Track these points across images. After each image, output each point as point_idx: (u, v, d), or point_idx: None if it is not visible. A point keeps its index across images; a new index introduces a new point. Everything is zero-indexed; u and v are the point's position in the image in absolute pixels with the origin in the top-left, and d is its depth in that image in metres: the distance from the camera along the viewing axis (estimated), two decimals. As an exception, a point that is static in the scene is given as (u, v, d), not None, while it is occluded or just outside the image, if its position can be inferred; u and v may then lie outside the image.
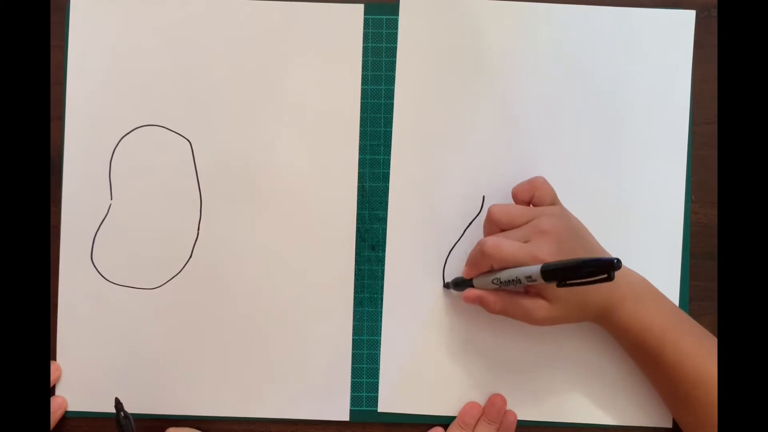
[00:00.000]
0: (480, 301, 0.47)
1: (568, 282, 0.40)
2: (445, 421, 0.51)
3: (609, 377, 0.51)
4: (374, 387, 0.52)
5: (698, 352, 0.45)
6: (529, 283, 0.43)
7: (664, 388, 0.48)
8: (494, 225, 0.46)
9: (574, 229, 0.46)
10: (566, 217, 0.47)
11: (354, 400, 0.52)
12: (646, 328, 0.46)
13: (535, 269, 0.41)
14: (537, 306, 0.45)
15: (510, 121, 0.52)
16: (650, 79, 0.52)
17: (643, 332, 0.46)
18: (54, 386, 0.52)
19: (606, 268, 0.37)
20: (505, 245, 0.44)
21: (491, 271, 0.46)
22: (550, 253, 0.43)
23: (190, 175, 0.52)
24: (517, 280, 0.43)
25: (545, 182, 0.47)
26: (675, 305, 0.48)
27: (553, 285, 0.41)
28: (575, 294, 0.43)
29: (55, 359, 0.52)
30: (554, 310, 0.45)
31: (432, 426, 0.51)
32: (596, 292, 0.43)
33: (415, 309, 0.52)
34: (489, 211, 0.46)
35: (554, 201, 0.47)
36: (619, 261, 0.37)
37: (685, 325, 0.47)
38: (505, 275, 0.44)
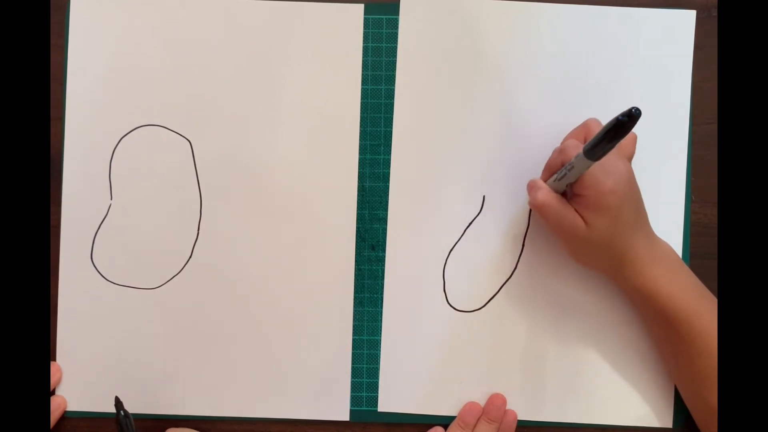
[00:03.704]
0: (533, 187, 0.46)
1: (602, 146, 0.39)
2: (445, 421, 0.52)
3: (609, 377, 0.51)
4: (374, 387, 0.52)
5: None
6: (571, 170, 0.43)
7: (682, 364, 0.48)
8: (582, 134, 0.47)
9: (636, 186, 0.46)
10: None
11: (354, 400, 0.52)
12: (675, 296, 0.46)
13: (580, 153, 0.42)
14: (575, 222, 0.45)
15: (510, 120, 0.52)
16: (650, 79, 0.52)
17: (671, 298, 0.46)
18: (54, 386, 0.52)
19: (624, 115, 0.37)
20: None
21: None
22: (618, 180, 0.43)
23: (190, 175, 0.52)
24: (569, 167, 0.43)
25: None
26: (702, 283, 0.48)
27: (594, 213, 0.44)
28: (610, 228, 0.44)
29: (55, 359, 0.52)
30: (587, 234, 0.45)
31: (432, 426, 0.51)
32: (632, 237, 0.45)
33: (415, 309, 0.52)
34: (586, 122, 0.47)
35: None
36: (637, 109, 0.36)
37: (714, 301, 0.47)
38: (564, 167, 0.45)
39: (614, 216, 0.44)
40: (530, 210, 0.52)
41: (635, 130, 0.51)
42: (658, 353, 0.51)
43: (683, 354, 0.47)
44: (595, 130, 0.45)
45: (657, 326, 0.48)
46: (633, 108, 0.36)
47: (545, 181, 0.47)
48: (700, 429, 0.49)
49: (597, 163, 0.42)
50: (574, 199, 0.45)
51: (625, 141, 0.47)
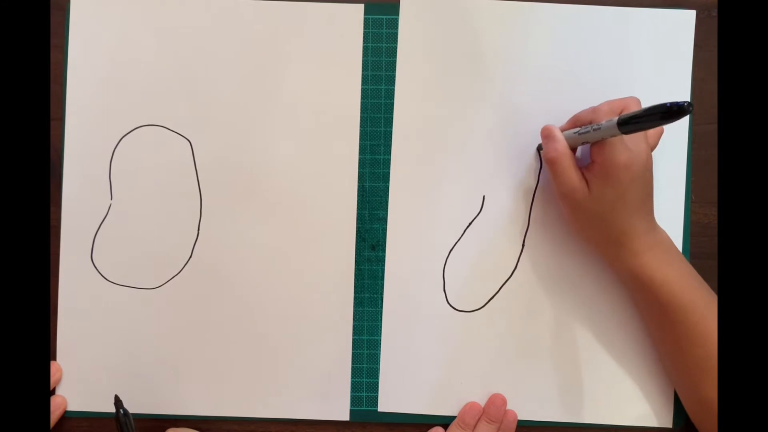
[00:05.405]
0: (550, 136, 0.46)
1: (638, 123, 0.40)
2: (445, 421, 0.52)
3: (609, 377, 0.51)
4: (374, 387, 0.52)
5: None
6: (596, 130, 0.43)
7: (676, 355, 0.47)
8: (619, 108, 0.46)
9: (650, 172, 0.46)
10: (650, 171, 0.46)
11: (354, 400, 0.52)
12: (670, 283, 0.46)
13: (612, 120, 0.42)
14: (579, 185, 0.45)
15: (510, 120, 0.52)
16: (650, 79, 0.52)
17: (666, 285, 0.46)
18: (54, 386, 0.52)
19: (675, 106, 0.37)
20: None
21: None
22: (635, 159, 0.44)
23: (190, 175, 0.52)
24: (596, 127, 0.43)
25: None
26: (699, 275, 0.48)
27: (601, 182, 0.44)
28: (612, 203, 0.44)
29: (55, 359, 0.52)
30: (588, 201, 0.45)
31: (432, 426, 0.51)
32: (633, 218, 0.45)
33: (415, 309, 0.52)
34: (627, 99, 0.46)
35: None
36: (690, 104, 0.36)
37: (711, 293, 0.47)
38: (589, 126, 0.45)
39: (620, 192, 0.44)
40: (530, 210, 0.52)
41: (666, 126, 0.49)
42: (653, 345, 0.51)
43: (677, 344, 0.47)
44: (633, 109, 0.45)
45: (651, 314, 0.48)
46: (687, 102, 0.36)
47: (567, 128, 0.48)
48: (692, 421, 0.49)
49: (621, 136, 0.43)
50: (587, 164, 0.46)
51: (652, 131, 0.47)
